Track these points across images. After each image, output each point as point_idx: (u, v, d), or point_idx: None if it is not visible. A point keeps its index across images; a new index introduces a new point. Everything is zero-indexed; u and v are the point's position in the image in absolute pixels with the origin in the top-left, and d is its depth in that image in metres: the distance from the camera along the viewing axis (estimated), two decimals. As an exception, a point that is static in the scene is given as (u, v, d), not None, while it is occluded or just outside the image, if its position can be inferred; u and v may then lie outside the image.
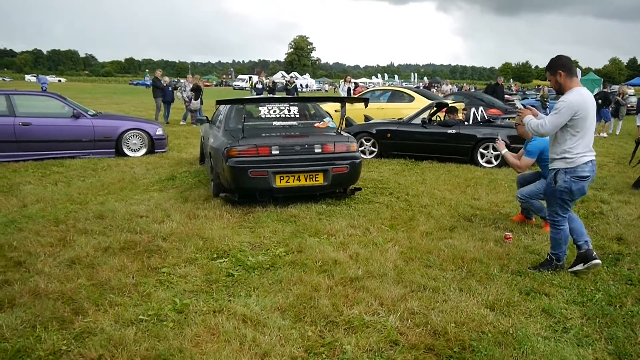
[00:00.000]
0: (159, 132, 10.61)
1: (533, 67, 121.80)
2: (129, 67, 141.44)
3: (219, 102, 6.91)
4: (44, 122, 9.47)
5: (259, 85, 22.54)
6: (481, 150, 9.57)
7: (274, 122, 6.89)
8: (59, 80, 75.57)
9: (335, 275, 4.12)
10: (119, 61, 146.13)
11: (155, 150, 10.50)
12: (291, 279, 4.05)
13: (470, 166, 9.41)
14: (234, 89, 67.25)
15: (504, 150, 5.30)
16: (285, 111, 7.13)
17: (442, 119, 10.71)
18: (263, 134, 6.43)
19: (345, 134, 6.78)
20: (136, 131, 10.29)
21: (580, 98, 3.82)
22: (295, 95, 20.35)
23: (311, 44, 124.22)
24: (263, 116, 7.00)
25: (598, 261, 4.12)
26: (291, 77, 21.91)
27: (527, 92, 34.92)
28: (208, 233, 5.17)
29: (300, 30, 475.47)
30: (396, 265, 4.37)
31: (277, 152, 6.14)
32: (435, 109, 10.41)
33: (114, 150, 10.05)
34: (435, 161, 9.84)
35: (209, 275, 4.15)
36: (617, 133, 17.06)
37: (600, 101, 16.09)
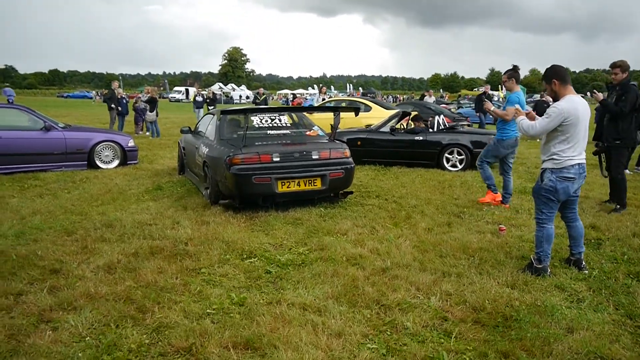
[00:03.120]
0: (131, 143, 10.59)
1: (460, 77, 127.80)
2: (54, 79, 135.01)
3: (224, 112, 7.17)
4: (14, 135, 9.25)
5: (199, 98, 22.57)
6: (447, 155, 10.30)
7: (268, 131, 7.21)
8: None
9: (366, 267, 4.52)
10: (42, 73, 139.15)
11: (128, 162, 10.45)
12: (327, 273, 4.40)
13: (437, 170, 10.10)
14: (170, 100, 66.01)
15: (492, 107, 6.95)
16: (277, 120, 7.47)
17: (405, 126, 11.40)
18: (258, 143, 6.73)
19: (339, 142, 7.21)
20: (108, 143, 10.21)
21: (572, 105, 4.19)
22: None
23: (245, 55, 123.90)
24: (256, 126, 7.29)
25: (586, 271, 4.46)
26: (260, 89, 22.09)
27: (461, 102, 36.75)
28: (227, 236, 5.41)
29: (232, 42, 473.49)
30: (415, 257, 4.82)
31: (278, 159, 6.47)
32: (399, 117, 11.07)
33: (86, 162, 9.93)
34: (404, 166, 10.45)
35: (249, 273, 4.43)
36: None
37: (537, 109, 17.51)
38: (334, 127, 7.20)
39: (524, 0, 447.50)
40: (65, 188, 8.10)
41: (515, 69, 6.66)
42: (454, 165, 10.26)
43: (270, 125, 7.37)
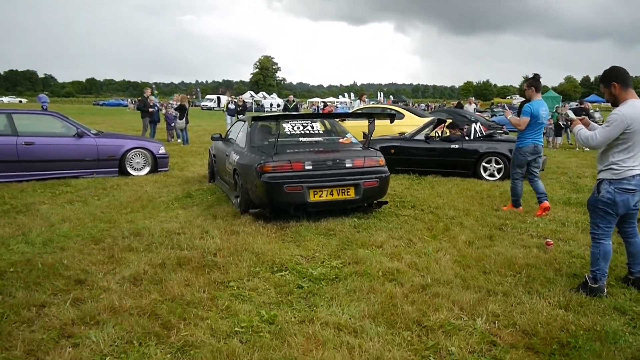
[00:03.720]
0: (162, 150, 10.53)
1: (492, 85, 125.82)
2: (91, 88, 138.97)
3: (255, 119, 7.01)
4: (47, 142, 9.29)
5: (231, 106, 22.58)
6: (484, 164, 9.90)
7: (300, 139, 7.00)
8: (20, 101, 73.47)
9: (404, 284, 4.23)
10: (79, 81, 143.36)
11: (158, 169, 10.40)
12: (362, 289, 4.13)
13: (474, 180, 9.70)
14: (202, 109, 66.76)
15: (509, 115, 7.17)
16: (309, 127, 7.25)
17: (440, 134, 11.05)
18: (289, 150, 6.51)
19: (373, 149, 6.94)
20: (140, 150, 10.18)
21: (634, 110, 3.80)
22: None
23: (276, 64, 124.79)
24: (288, 133, 7.08)
25: None
26: (290, 96, 21.94)
27: (495, 110, 35.94)
28: (256, 248, 5.19)
29: (263, 51, 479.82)
30: (456, 273, 4.50)
31: (311, 167, 6.23)
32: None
33: (117, 169, 9.91)
34: (439, 176, 10.10)
35: (280, 288, 4.19)
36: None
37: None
38: (368, 135, 6.94)
39: (559, 7, 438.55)
40: (95, 195, 8.05)
41: (536, 77, 6.79)
42: (491, 175, 9.86)
43: (302, 132, 7.15)
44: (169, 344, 3.24)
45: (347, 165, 6.40)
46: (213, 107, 66.64)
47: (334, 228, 6.03)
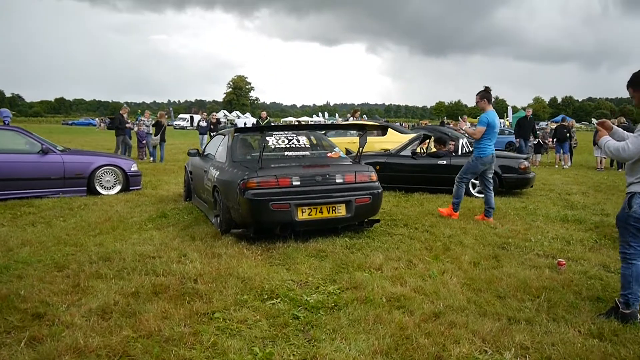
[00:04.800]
0: (134, 168, 9.90)
1: (464, 105, 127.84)
2: (60, 107, 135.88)
3: (237, 131, 6.50)
4: (8, 159, 8.56)
5: (203, 123, 21.86)
6: (472, 180, 9.55)
7: (286, 153, 6.52)
8: (-16, 121, 71.13)
9: (414, 312, 3.74)
10: (48, 101, 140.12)
11: (130, 188, 9.75)
12: (368, 318, 3.63)
13: (463, 197, 9.32)
14: (175, 128, 65.67)
15: (464, 126, 7.55)
16: (295, 141, 6.77)
17: (425, 150, 10.72)
18: (274, 165, 6.03)
19: (364, 164, 6.50)
20: (110, 167, 9.52)
21: None
22: None
23: (249, 83, 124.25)
24: (273, 147, 6.59)
25: None
26: (263, 112, 21.34)
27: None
28: (242, 272, 4.65)
29: (236, 71, 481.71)
30: (469, 298, 4.05)
31: (298, 183, 5.75)
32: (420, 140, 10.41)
33: (85, 188, 9.22)
34: (427, 192, 9.72)
35: (272, 319, 3.65)
36: (569, 165, 17.31)
37: (567, 134, 17.00)
38: (359, 148, 6.49)
39: (526, 30, 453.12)
40: (61, 216, 7.37)
41: (487, 89, 7.03)
42: (480, 192, 9.50)
43: (288, 146, 6.67)
44: (145, 394, 2.67)
45: (337, 180, 5.94)
46: (186, 127, 65.73)
47: (325, 249, 5.53)
